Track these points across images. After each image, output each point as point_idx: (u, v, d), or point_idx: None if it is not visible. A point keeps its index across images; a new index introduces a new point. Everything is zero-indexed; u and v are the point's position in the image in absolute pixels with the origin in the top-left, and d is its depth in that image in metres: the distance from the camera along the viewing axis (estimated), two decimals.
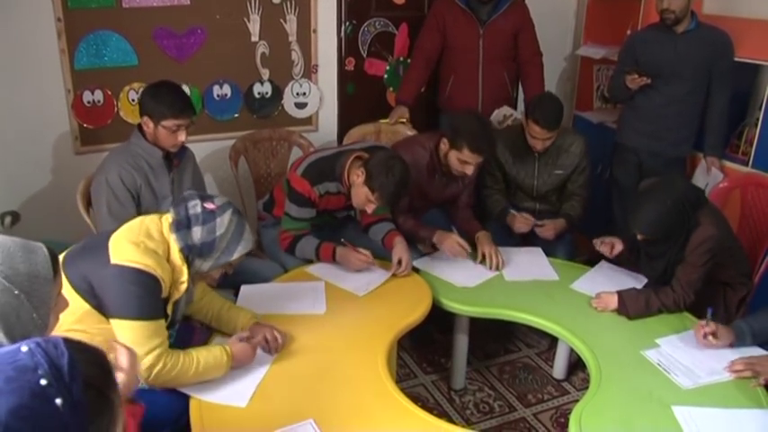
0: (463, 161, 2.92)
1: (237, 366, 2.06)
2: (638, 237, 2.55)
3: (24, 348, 0.86)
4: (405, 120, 3.80)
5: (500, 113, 3.74)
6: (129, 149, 2.72)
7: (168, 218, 2.04)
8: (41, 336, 1.25)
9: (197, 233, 1.99)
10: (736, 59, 3.33)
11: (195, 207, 2.01)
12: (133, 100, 3.41)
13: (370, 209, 2.79)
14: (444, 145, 2.97)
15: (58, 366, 0.83)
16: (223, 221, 2.02)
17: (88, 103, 3.32)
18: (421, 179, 3.08)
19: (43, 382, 0.80)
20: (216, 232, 2.00)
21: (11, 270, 1.26)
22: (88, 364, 0.89)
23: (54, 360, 0.83)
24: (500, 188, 3.37)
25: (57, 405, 0.80)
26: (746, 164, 3.41)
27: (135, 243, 1.92)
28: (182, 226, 1.99)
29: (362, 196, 2.75)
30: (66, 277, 1.89)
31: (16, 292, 1.25)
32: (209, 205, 2.02)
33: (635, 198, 2.55)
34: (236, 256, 2.07)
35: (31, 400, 0.79)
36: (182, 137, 2.69)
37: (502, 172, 3.33)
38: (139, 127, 2.74)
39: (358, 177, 2.74)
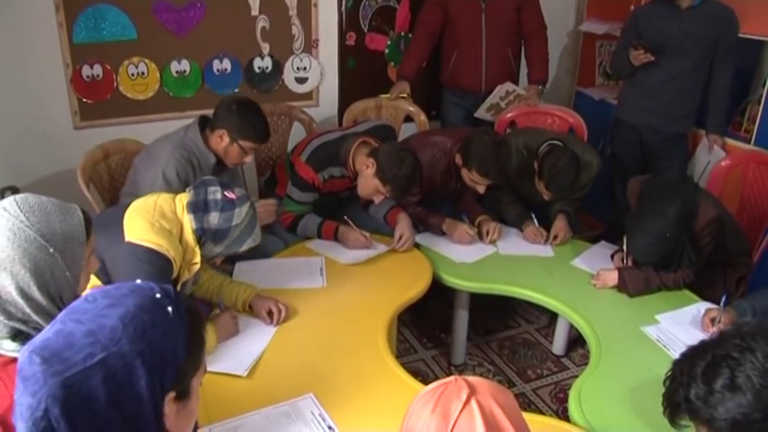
0: (473, 180, 2.92)
1: (224, 339, 2.09)
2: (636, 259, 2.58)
3: (139, 280, 1.06)
4: (406, 95, 3.77)
5: (503, 89, 3.72)
6: (185, 144, 2.64)
7: (183, 198, 2.05)
8: (74, 294, 1.34)
9: (214, 218, 2.03)
10: (740, 36, 3.30)
11: (215, 193, 2.04)
12: (133, 74, 3.39)
13: (378, 199, 2.80)
14: (458, 159, 2.96)
15: (168, 291, 1.04)
16: (241, 212, 2.06)
17: (87, 77, 3.30)
18: (435, 179, 3.06)
19: (158, 295, 1.01)
20: (232, 221, 2.04)
21: (47, 229, 1.31)
22: (189, 303, 1.08)
23: (165, 288, 1.04)
24: (512, 199, 3.19)
25: (168, 311, 1.00)
26: (749, 141, 3.40)
27: (150, 222, 1.93)
28: (198, 208, 2.02)
29: (372, 187, 2.75)
30: None
31: (51, 250, 1.30)
32: (230, 194, 2.06)
33: (632, 220, 2.54)
34: (244, 247, 2.13)
35: (151, 303, 0.99)
36: (249, 159, 2.70)
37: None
38: (200, 124, 2.68)
39: (367, 168, 2.74)
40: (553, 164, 2.85)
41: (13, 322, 1.28)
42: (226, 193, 2.06)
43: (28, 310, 1.28)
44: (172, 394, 0.98)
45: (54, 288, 1.31)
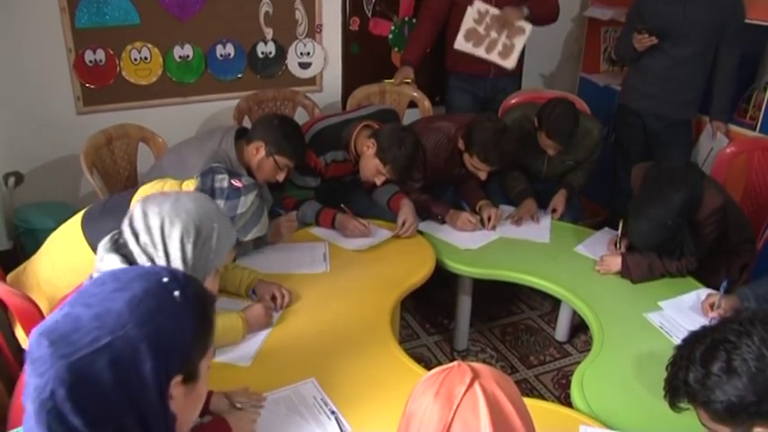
0: (474, 166, 2.91)
1: (252, 331, 2.07)
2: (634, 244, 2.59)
3: (148, 263, 1.21)
4: (410, 80, 3.76)
5: (473, 11, 3.52)
6: (217, 157, 2.56)
7: (189, 185, 2.05)
8: (202, 281, 1.48)
9: (219, 206, 2.00)
10: (746, 22, 3.27)
11: (222, 181, 2.04)
12: (135, 59, 3.38)
13: (379, 181, 2.78)
14: (460, 145, 2.95)
15: (176, 274, 1.06)
16: (246, 201, 2.04)
17: (90, 62, 3.29)
18: (438, 165, 3.05)
19: (165, 279, 1.03)
20: (237, 210, 2.03)
21: (222, 214, 1.59)
22: (198, 286, 1.10)
23: (173, 272, 1.07)
24: (517, 175, 3.24)
25: (175, 296, 1.01)
26: (754, 128, 3.39)
27: None
28: None
29: (373, 168, 2.74)
30: (85, 238, 1.92)
31: (215, 225, 1.53)
32: (237, 183, 2.05)
33: (636, 204, 2.54)
34: (249, 236, 2.11)
35: (157, 287, 1.01)
36: (281, 176, 2.66)
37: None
38: (237, 135, 2.64)
39: (368, 149, 2.73)
40: (550, 111, 2.95)
41: (141, 255, 1.47)
42: (233, 181, 2.05)
43: (161, 255, 1.47)
44: (178, 378, 1.00)
45: (196, 257, 1.49)
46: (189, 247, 1.48)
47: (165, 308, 0.99)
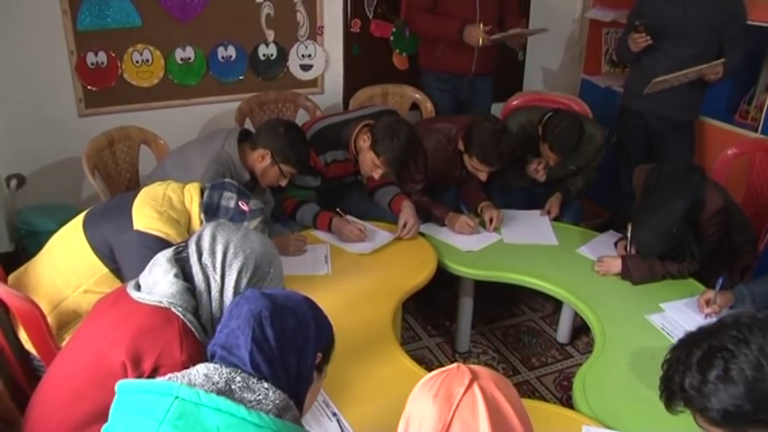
0: (474, 167, 2.91)
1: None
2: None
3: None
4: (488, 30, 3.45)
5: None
6: (221, 159, 2.57)
7: (191, 189, 2.06)
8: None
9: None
10: (748, 23, 3.26)
11: (230, 200, 2.05)
12: (137, 62, 3.38)
13: (377, 174, 2.78)
14: (460, 146, 2.95)
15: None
16: (249, 227, 2.03)
17: (92, 64, 3.30)
18: (439, 166, 3.05)
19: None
20: None
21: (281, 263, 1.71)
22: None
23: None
24: (518, 170, 3.24)
25: (324, 313, 1.44)
26: (756, 130, 3.38)
27: (158, 211, 1.95)
28: (210, 210, 2.03)
29: (369, 162, 2.74)
30: (87, 239, 1.92)
31: (272, 270, 1.63)
32: (244, 206, 2.06)
33: (639, 212, 2.54)
34: None
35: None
36: (284, 182, 2.67)
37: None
38: (240, 139, 2.65)
39: (365, 142, 2.73)
40: (556, 124, 2.94)
41: (199, 273, 1.57)
42: (240, 203, 2.05)
43: (218, 279, 1.57)
44: (320, 355, 1.37)
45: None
46: (244, 282, 1.57)
47: (322, 313, 1.42)
